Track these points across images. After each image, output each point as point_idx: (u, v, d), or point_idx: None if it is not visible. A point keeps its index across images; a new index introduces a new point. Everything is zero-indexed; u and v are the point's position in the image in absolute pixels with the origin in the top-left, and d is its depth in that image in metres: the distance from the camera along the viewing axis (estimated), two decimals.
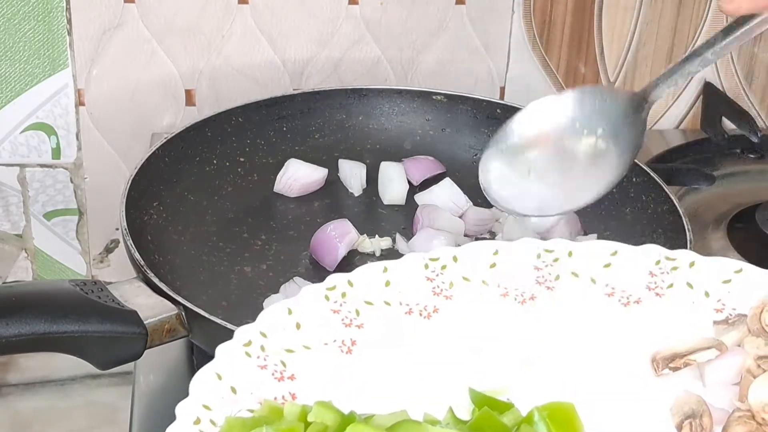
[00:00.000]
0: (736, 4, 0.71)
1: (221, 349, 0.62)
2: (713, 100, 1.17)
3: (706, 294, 0.68)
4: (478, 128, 1.01)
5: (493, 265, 0.69)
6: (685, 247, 0.81)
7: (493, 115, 1.01)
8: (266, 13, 1.08)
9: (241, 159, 0.98)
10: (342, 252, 0.87)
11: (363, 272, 0.67)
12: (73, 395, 1.06)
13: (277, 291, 0.83)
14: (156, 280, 0.76)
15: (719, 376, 0.63)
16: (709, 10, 1.14)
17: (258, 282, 0.86)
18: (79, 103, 1.09)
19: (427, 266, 0.68)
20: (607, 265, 0.69)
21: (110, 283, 0.76)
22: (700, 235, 0.97)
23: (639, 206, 0.91)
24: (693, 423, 0.60)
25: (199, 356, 0.83)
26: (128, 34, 1.07)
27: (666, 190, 0.89)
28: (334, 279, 0.67)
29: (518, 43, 1.13)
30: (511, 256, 0.69)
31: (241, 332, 0.63)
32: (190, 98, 1.11)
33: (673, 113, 1.19)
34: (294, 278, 0.85)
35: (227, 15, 1.08)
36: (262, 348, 0.62)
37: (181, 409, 0.58)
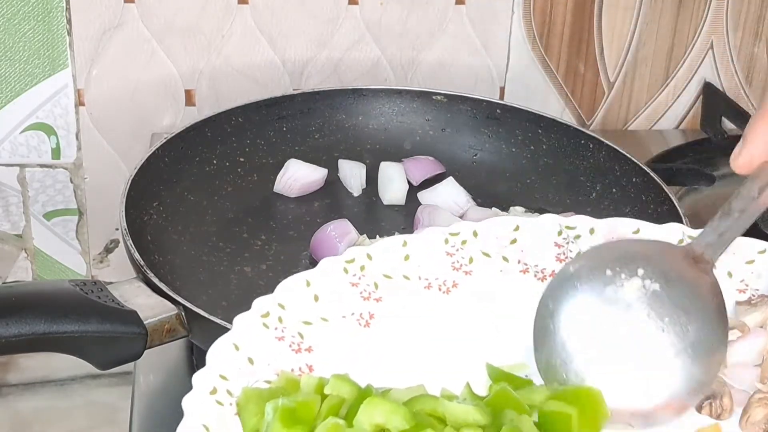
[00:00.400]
0: (746, 158, 0.62)
1: (239, 320, 0.61)
2: (713, 100, 1.17)
3: (729, 274, 0.67)
4: (478, 128, 1.01)
5: (513, 241, 0.68)
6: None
7: (493, 115, 1.01)
8: (266, 13, 1.08)
9: (241, 159, 0.98)
10: (342, 252, 0.87)
11: (382, 246, 0.67)
12: (73, 395, 1.06)
13: None
14: (156, 280, 0.76)
15: (741, 357, 0.63)
16: (709, 10, 1.14)
17: (258, 282, 0.86)
18: (79, 103, 1.09)
19: (447, 241, 0.68)
20: None
21: (110, 283, 0.76)
22: None
23: (639, 206, 0.91)
24: (713, 404, 0.60)
25: (199, 356, 0.83)
26: (128, 34, 1.07)
27: (666, 190, 0.89)
28: (353, 252, 0.66)
29: (518, 43, 1.13)
30: (532, 232, 0.68)
31: (259, 303, 0.62)
32: (190, 98, 1.11)
33: (673, 113, 1.19)
34: None
35: (227, 15, 1.08)
36: (280, 319, 0.62)
37: (197, 378, 0.58)
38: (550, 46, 1.14)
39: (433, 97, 1.02)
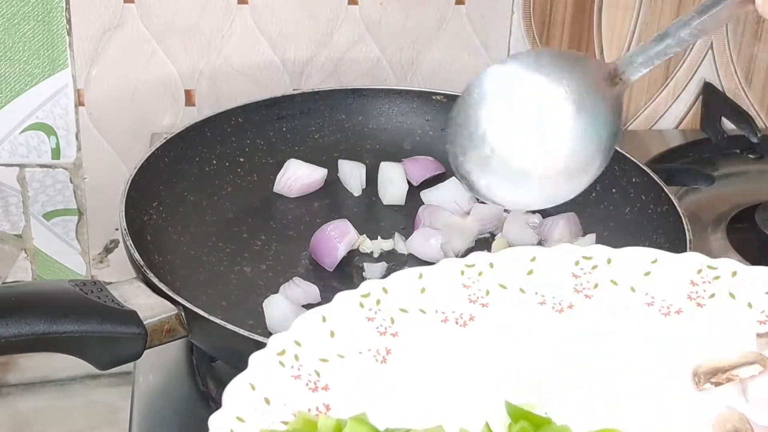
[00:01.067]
0: None
1: (254, 358, 0.60)
2: (713, 100, 1.17)
3: (749, 305, 0.66)
4: None
5: (530, 272, 0.67)
6: (685, 248, 0.81)
7: None
8: (266, 13, 1.08)
9: (241, 159, 0.98)
10: (342, 252, 0.87)
11: (398, 279, 0.66)
12: (73, 395, 1.06)
13: (276, 291, 0.83)
14: (155, 281, 0.76)
15: (762, 392, 0.62)
16: None
17: (258, 282, 0.86)
18: (79, 103, 1.09)
19: (463, 273, 0.67)
20: (647, 274, 0.67)
21: (110, 283, 0.76)
22: (699, 236, 0.97)
23: (638, 206, 0.91)
24: None
25: (198, 356, 0.83)
26: (128, 34, 1.07)
27: (666, 190, 0.89)
28: (368, 286, 0.65)
29: (518, 43, 1.13)
30: (549, 262, 0.68)
31: (275, 340, 0.61)
32: (189, 98, 1.11)
33: (673, 113, 1.19)
34: (294, 278, 0.85)
35: (227, 15, 1.08)
36: (296, 357, 0.61)
37: (214, 421, 0.56)
38: (550, 46, 1.14)
39: (433, 97, 1.02)
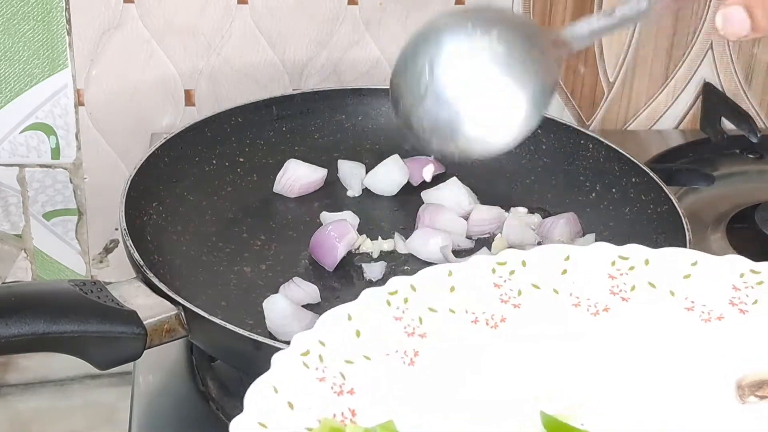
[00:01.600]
0: None
1: (277, 359, 0.57)
2: (713, 100, 1.17)
3: None
4: None
5: (564, 272, 0.65)
6: (685, 248, 0.81)
7: None
8: (266, 13, 1.08)
9: (241, 159, 0.98)
10: (341, 252, 0.87)
11: (427, 276, 0.63)
12: (72, 395, 1.06)
13: (276, 291, 0.83)
14: (155, 281, 0.76)
15: None
16: (708, 10, 1.14)
17: (257, 282, 0.86)
18: (79, 103, 1.09)
19: (494, 271, 0.64)
20: (687, 276, 0.65)
21: (110, 283, 0.76)
22: (699, 236, 0.97)
23: (638, 206, 0.91)
24: None
25: (198, 356, 0.83)
26: (127, 34, 1.07)
27: (665, 190, 0.89)
28: (396, 282, 0.63)
29: None
30: (583, 262, 0.65)
31: (299, 340, 0.59)
32: (189, 98, 1.11)
33: (673, 113, 1.19)
34: (293, 278, 0.85)
35: (227, 15, 1.08)
36: (321, 358, 0.58)
37: (235, 426, 0.54)
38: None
39: None
